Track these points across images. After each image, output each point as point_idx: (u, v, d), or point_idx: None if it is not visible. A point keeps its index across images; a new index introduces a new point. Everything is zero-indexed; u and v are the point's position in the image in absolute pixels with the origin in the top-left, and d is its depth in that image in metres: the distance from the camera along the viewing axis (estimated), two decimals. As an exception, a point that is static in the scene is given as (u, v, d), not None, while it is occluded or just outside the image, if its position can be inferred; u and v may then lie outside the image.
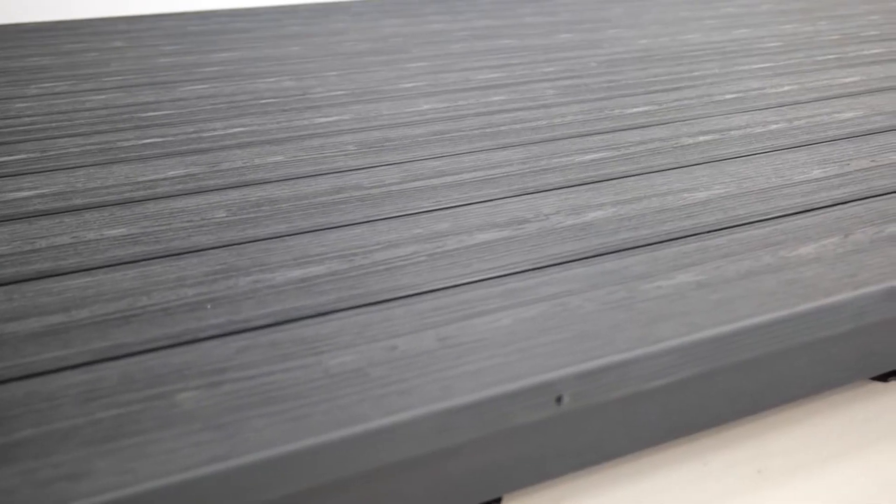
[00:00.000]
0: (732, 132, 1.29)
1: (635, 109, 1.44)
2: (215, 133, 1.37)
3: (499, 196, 1.04)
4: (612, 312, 0.74)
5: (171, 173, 1.17)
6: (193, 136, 1.36)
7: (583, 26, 2.34)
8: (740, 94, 1.52)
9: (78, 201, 1.07)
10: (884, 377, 0.85)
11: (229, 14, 2.78)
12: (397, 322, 0.74)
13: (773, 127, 1.31)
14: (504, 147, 1.25)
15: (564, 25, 2.36)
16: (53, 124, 1.47)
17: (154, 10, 2.79)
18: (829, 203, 0.98)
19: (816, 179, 1.07)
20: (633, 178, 1.10)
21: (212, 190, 1.10)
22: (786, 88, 1.55)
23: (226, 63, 1.96)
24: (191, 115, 1.50)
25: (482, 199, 1.03)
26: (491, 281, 0.81)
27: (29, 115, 1.53)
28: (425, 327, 0.72)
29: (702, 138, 1.26)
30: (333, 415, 0.60)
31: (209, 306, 0.77)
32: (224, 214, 1.01)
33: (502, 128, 1.35)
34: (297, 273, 0.84)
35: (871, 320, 0.75)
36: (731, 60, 1.82)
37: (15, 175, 1.18)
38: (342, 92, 1.64)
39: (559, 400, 0.63)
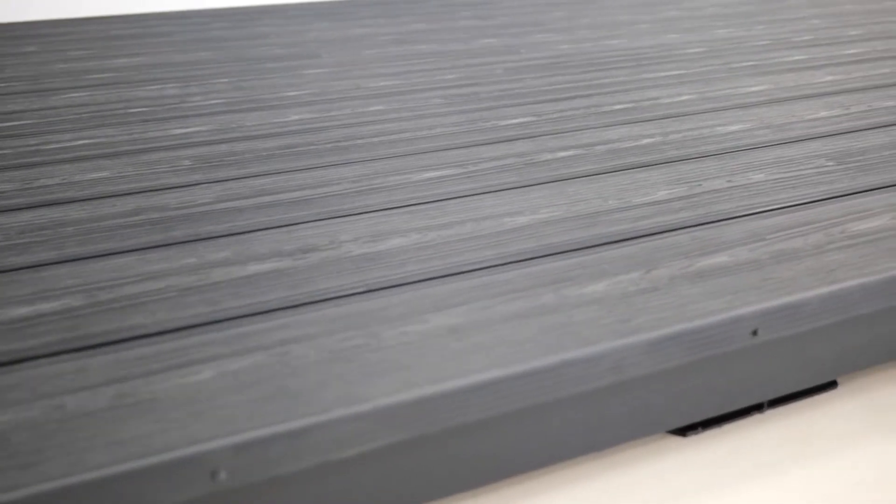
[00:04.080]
0: (598, 147, 1.19)
1: (512, 121, 1.35)
2: (57, 146, 1.29)
3: (302, 220, 0.95)
4: (332, 365, 0.65)
5: (-23, 191, 1.09)
6: (32, 148, 1.28)
7: (511, 30, 2.24)
8: (631, 105, 1.42)
9: None
10: (682, 431, 0.76)
11: (158, 17, 2.70)
12: (89, 373, 0.65)
13: (645, 141, 1.21)
14: (348, 163, 1.16)
15: (493, 29, 2.27)
16: None
17: (88, 13, 2.71)
18: (654, 230, 0.89)
19: (657, 202, 0.97)
20: (462, 199, 1.01)
21: (6, 210, 1.02)
22: (683, 98, 1.45)
23: (122, 69, 1.88)
24: (47, 125, 1.41)
25: (282, 224, 0.94)
26: (224, 323, 0.72)
27: None
28: (112, 381, 0.63)
29: (561, 154, 1.17)
30: (-68, 494, 0.52)
31: None
32: (-3, 239, 0.93)
33: (359, 141, 1.26)
34: (22, 311, 0.75)
35: (632, 374, 0.66)
36: (644, 67, 1.72)
37: None
38: (220, 101, 1.55)
39: (214, 475, 0.54)
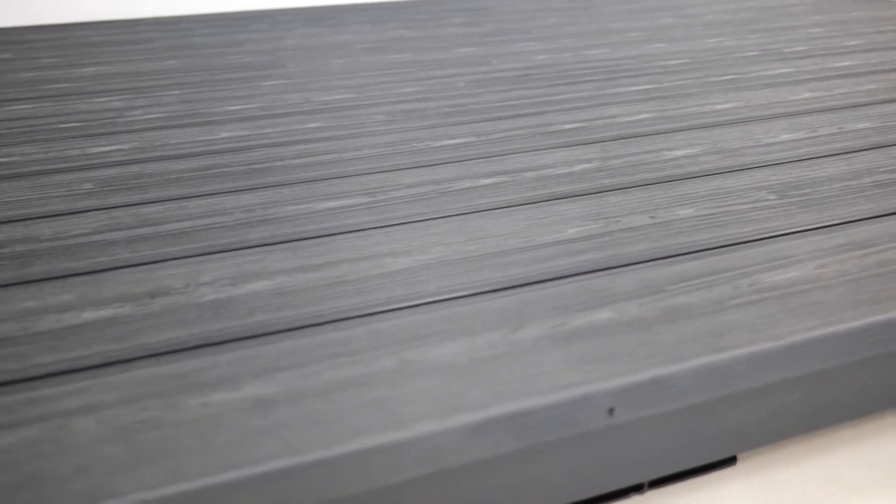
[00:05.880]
0: (526, 174, 1.10)
1: (448, 142, 1.26)
2: (-32, 165, 1.24)
3: (170, 256, 0.88)
4: (108, 444, 0.57)
5: None
6: (-59, 168, 1.23)
7: (495, 38, 2.15)
8: (584, 124, 1.32)
9: None
10: (542, 517, 0.67)
11: (149, 23, 2.65)
12: None
13: (580, 167, 1.12)
14: (254, 188, 1.08)
15: (476, 38, 2.18)
16: None
17: (77, 19, 2.69)
18: (543, 277, 0.79)
19: (562, 242, 0.88)
20: (352, 234, 0.92)
21: None
22: (641, 117, 1.35)
23: (81, 79, 1.83)
24: (-28, 141, 1.37)
25: (146, 261, 0.87)
26: (21, 384, 0.64)
27: None
28: None
29: (483, 182, 1.07)
30: None
31: None
32: None
33: (277, 163, 1.19)
34: None
35: (451, 464, 0.57)
36: (616, 81, 1.61)
37: None
38: (158, 115, 1.49)
39: None
